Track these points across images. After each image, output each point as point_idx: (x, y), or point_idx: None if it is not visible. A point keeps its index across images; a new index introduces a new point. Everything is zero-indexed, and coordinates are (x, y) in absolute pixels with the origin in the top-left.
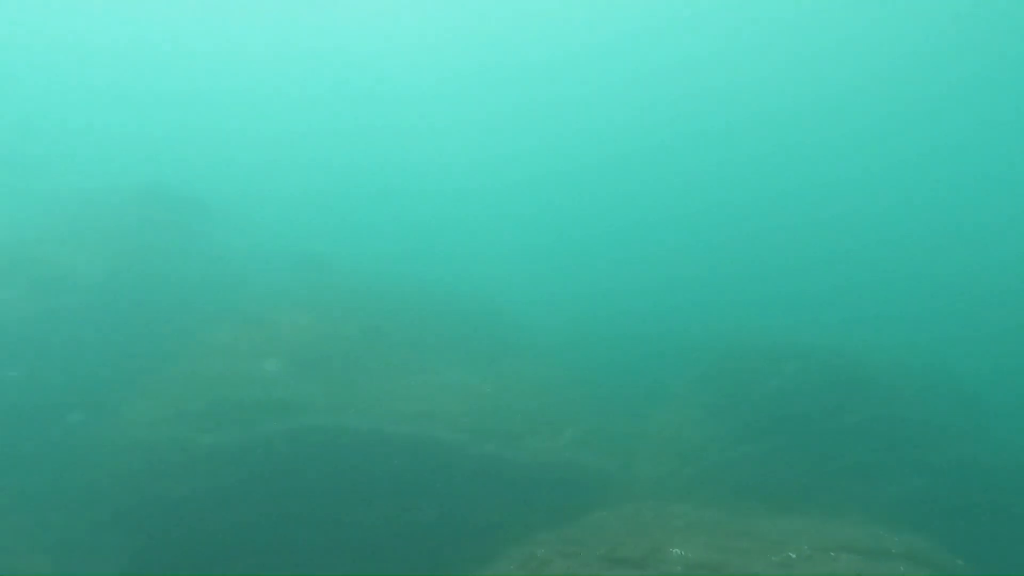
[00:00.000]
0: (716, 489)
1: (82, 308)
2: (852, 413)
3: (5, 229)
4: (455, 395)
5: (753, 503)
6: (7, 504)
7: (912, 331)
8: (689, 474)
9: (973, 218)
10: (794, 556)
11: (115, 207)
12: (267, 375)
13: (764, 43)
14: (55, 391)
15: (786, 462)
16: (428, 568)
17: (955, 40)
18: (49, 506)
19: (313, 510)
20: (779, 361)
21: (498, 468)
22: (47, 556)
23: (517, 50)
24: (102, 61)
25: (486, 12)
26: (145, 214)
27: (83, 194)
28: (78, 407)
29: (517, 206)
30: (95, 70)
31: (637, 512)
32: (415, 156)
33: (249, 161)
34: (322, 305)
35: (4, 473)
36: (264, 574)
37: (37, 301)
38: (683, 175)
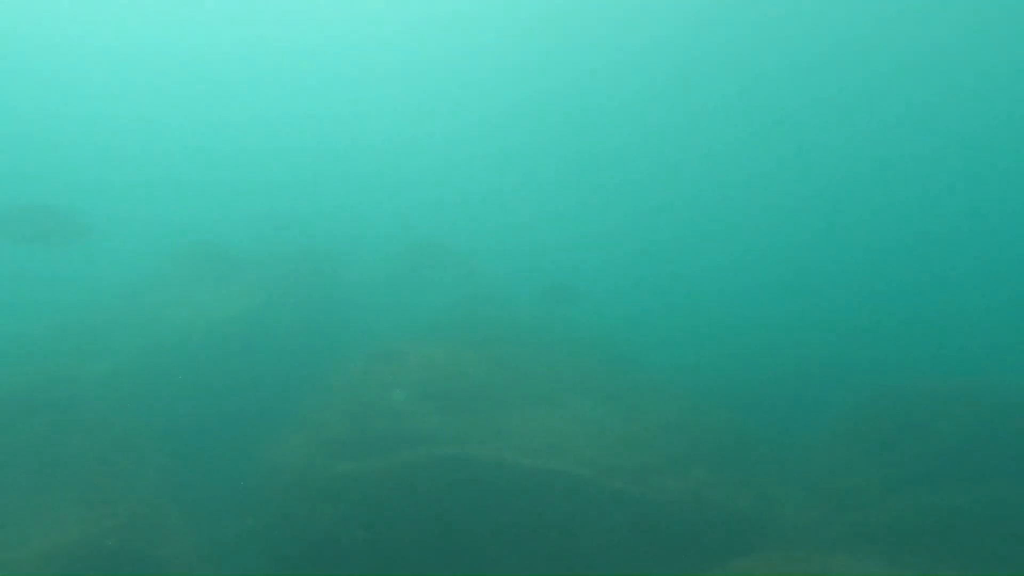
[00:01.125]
0: (884, 542)
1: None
2: None
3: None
4: (579, 429)
5: (934, 562)
6: (180, 512)
7: None
8: (847, 522)
9: None
10: None
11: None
12: (395, 406)
13: None
14: (216, 418)
15: (974, 519)
16: None
17: None
18: (211, 515)
19: (437, 535)
20: (956, 399)
21: (626, 505)
22: (203, 557)
23: None
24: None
25: None
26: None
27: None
28: (232, 433)
29: (653, 240)
30: None
31: (788, 561)
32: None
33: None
34: (448, 338)
35: (180, 488)
36: None
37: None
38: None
